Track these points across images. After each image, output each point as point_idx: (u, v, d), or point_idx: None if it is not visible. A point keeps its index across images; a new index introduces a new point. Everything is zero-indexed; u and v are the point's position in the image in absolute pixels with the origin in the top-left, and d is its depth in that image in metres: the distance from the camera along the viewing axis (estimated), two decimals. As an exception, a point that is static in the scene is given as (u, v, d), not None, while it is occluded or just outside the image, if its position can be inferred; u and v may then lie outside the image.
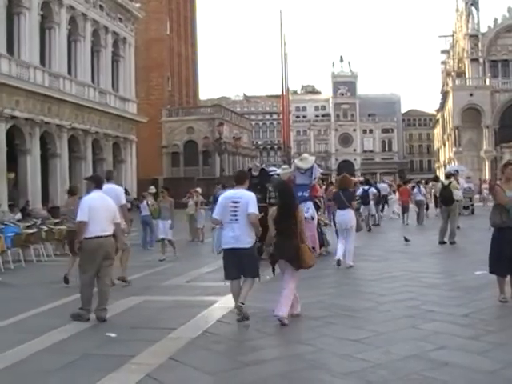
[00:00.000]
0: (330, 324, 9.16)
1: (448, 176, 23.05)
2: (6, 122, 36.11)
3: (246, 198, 9.73)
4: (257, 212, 9.70)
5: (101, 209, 10.36)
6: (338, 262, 15.63)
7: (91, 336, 8.98)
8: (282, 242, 9.64)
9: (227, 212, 9.72)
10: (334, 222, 17.79)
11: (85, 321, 9.89)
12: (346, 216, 16.13)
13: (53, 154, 41.95)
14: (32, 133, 38.65)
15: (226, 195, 10.09)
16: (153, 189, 24.81)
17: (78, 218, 10.37)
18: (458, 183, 22.30)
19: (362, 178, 40.16)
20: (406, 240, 21.07)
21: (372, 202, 28.56)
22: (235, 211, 9.64)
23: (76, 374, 7.13)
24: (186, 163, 71.87)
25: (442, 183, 21.95)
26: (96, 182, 11.08)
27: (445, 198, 20.69)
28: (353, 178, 22.18)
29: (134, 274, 15.47)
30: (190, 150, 72.20)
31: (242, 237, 9.62)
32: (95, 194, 10.73)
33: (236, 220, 9.64)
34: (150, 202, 22.88)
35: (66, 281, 13.89)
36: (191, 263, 17.85)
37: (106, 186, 12.59)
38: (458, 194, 20.81)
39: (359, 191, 27.03)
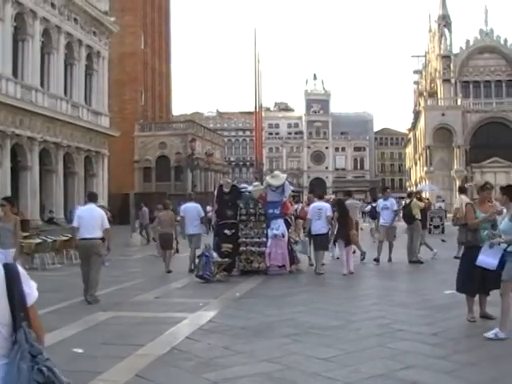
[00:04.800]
0: (298, 342, 9.12)
1: (409, 195, 23.31)
2: (-23, 134, 35.76)
3: (325, 207, 18.15)
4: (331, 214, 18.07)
5: (87, 218, 13.39)
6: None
7: (58, 351, 8.84)
8: (340, 229, 18.00)
9: (315, 214, 17.87)
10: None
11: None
12: None
13: (23, 166, 41.46)
14: (2, 145, 38.19)
15: (315, 205, 18.41)
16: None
17: (72, 225, 14.26)
18: (421, 202, 22.47)
19: (333, 196, 40.56)
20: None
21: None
22: (320, 214, 17.85)
23: (41, 390, 7.01)
24: (158, 178, 71.63)
25: (404, 202, 22.16)
26: (89, 198, 14.71)
27: (406, 217, 20.80)
28: (326, 197, 22.83)
29: (102, 289, 15.34)
30: (162, 165, 71.97)
31: (322, 228, 17.78)
32: (85, 207, 14.20)
33: (319, 219, 17.78)
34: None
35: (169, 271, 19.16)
36: (160, 279, 17.72)
37: (190, 204, 19.84)
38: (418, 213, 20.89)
39: (367, 208, 32.21)
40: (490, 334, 8.95)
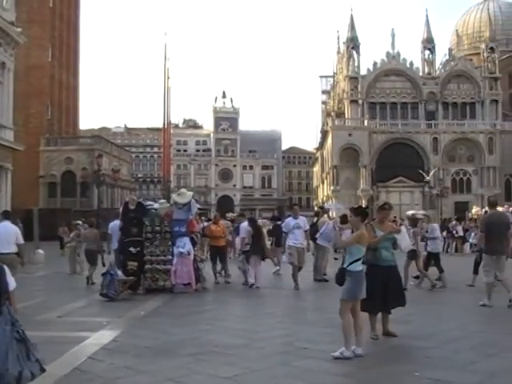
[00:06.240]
0: (202, 361, 9.07)
1: (317, 213, 23.55)
2: None
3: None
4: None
5: (2, 234, 14.21)
6: None
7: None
8: (255, 245, 19.14)
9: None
10: None
11: None
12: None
13: None
14: None
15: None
16: None
17: None
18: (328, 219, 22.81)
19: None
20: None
21: None
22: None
23: None
24: (63, 194, 70.59)
25: (312, 221, 22.43)
26: (4, 215, 15.49)
27: (313, 235, 21.03)
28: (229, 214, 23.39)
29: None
30: (67, 180, 71.01)
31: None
32: (1, 224, 14.75)
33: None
34: None
35: (88, 282, 20.31)
36: (65, 297, 17.37)
37: (117, 222, 19.11)
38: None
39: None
40: (336, 353, 9.14)
